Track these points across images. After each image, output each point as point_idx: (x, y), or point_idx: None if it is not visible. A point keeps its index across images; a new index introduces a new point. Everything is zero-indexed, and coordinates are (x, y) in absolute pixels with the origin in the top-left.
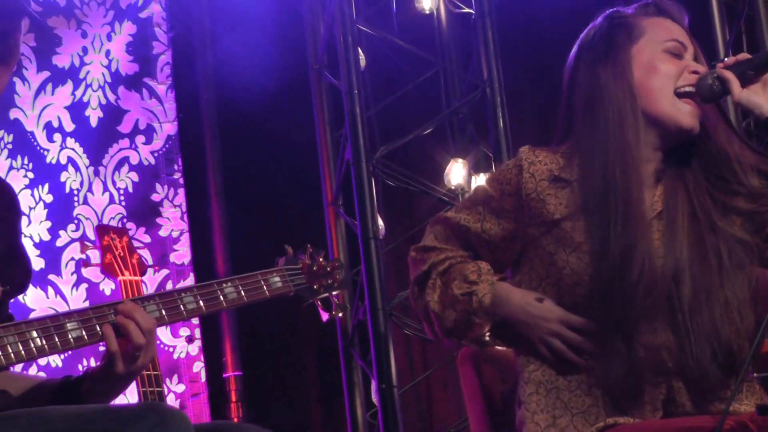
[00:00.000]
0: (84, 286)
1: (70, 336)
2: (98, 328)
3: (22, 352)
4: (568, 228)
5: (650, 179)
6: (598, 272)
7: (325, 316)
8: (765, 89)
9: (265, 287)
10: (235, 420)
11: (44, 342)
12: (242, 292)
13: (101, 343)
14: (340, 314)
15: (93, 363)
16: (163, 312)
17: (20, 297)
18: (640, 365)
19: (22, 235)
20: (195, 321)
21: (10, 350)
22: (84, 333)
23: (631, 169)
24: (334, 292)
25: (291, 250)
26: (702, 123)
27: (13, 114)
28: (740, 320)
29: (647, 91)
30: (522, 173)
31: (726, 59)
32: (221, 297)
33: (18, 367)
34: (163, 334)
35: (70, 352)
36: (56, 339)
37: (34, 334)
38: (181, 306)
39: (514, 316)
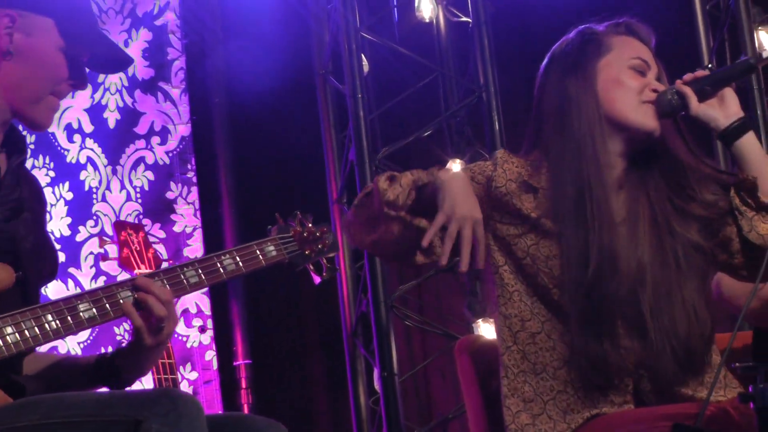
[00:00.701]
0: (102, 278)
1: (83, 316)
2: (109, 307)
3: (40, 335)
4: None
5: (614, 185)
6: (580, 276)
7: (317, 279)
8: (721, 104)
9: (261, 257)
10: (245, 406)
11: (59, 324)
12: (240, 263)
13: (116, 332)
14: (331, 275)
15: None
16: (167, 287)
17: (42, 289)
18: (609, 362)
19: (47, 230)
20: (207, 312)
21: (28, 334)
22: (96, 312)
23: (602, 175)
24: (325, 256)
25: (281, 218)
26: (661, 135)
27: None
28: (696, 320)
29: (612, 101)
30: (495, 169)
31: (685, 75)
32: (221, 269)
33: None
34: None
35: (90, 341)
36: (70, 320)
37: (50, 317)
38: (184, 280)
39: (450, 187)
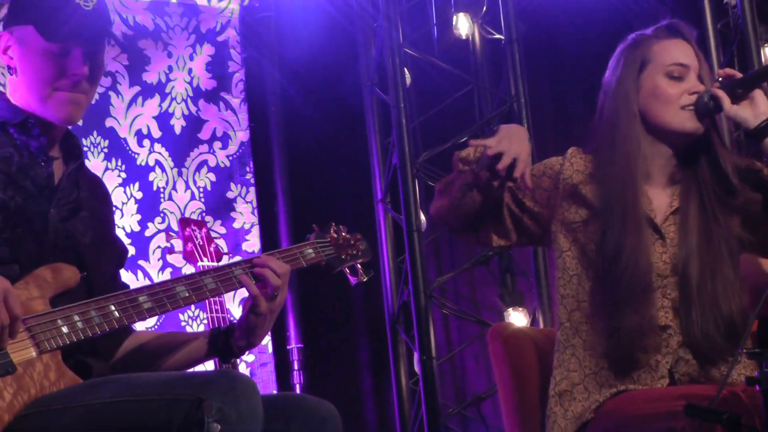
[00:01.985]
0: (168, 270)
1: (143, 306)
2: (205, 288)
3: (133, 315)
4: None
5: (667, 180)
6: (598, 262)
7: (353, 281)
8: (752, 105)
9: (301, 258)
10: (297, 386)
11: (153, 304)
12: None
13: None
14: (365, 279)
15: None
16: (219, 283)
17: (111, 278)
18: (649, 341)
19: (116, 226)
20: None
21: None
22: (192, 293)
23: (629, 183)
24: (359, 261)
25: (317, 227)
26: (706, 134)
27: (109, 123)
28: (737, 298)
29: (654, 114)
30: (564, 163)
31: (720, 78)
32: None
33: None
34: (236, 311)
35: (156, 327)
36: (165, 300)
37: (144, 298)
38: (233, 278)
39: (509, 128)
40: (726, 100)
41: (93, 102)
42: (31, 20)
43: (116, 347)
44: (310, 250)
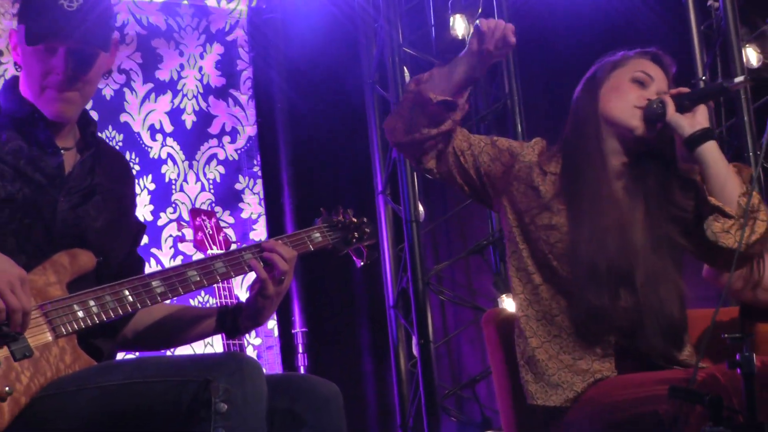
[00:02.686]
0: (180, 258)
1: (155, 291)
2: (215, 273)
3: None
4: (554, 210)
5: (612, 175)
6: (576, 250)
7: (359, 263)
8: (693, 116)
9: (308, 242)
10: (302, 368)
11: (166, 288)
12: (290, 247)
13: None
14: (369, 261)
15: None
16: (229, 268)
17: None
18: (605, 314)
19: (135, 202)
20: None
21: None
22: (203, 278)
23: (595, 163)
24: (364, 243)
25: (325, 211)
26: (657, 142)
27: (123, 118)
28: (680, 301)
29: (607, 103)
30: (524, 148)
31: (673, 89)
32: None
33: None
34: (244, 296)
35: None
36: (204, 279)
37: (156, 283)
38: (242, 262)
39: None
40: (671, 106)
41: (108, 99)
42: (24, 21)
43: (125, 323)
44: (317, 234)
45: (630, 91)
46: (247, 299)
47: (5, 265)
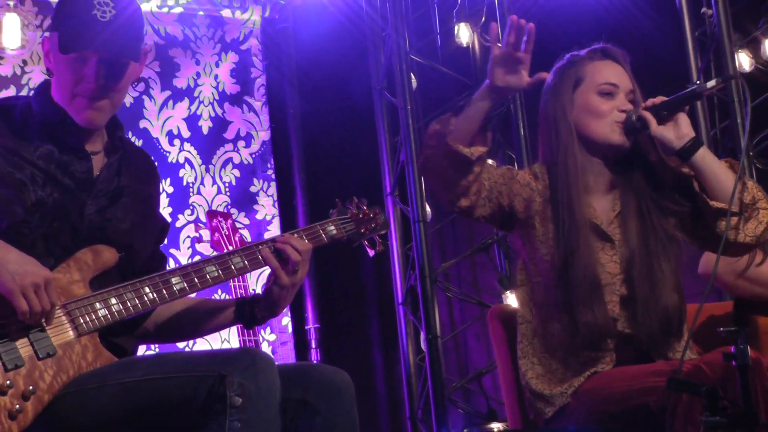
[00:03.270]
0: (197, 257)
1: (174, 288)
2: (233, 267)
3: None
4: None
5: (606, 187)
6: (554, 267)
7: (371, 253)
8: (675, 127)
9: (323, 235)
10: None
11: (185, 284)
12: (306, 241)
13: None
14: (381, 249)
15: None
16: (246, 262)
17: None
18: (598, 326)
19: (159, 201)
20: None
21: (175, 288)
22: (221, 272)
23: (572, 194)
24: (378, 233)
25: (340, 202)
26: (638, 145)
27: (142, 124)
28: (675, 294)
29: (585, 127)
30: (531, 178)
31: (648, 100)
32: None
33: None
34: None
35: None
36: (222, 273)
37: (176, 279)
38: (258, 255)
39: None
40: (653, 122)
41: (128, 105)
42: (57, 29)
43: (146, 317)
44: (332, 227)
45: (601, 107)
46: (264, 290)
47: (31, 266)
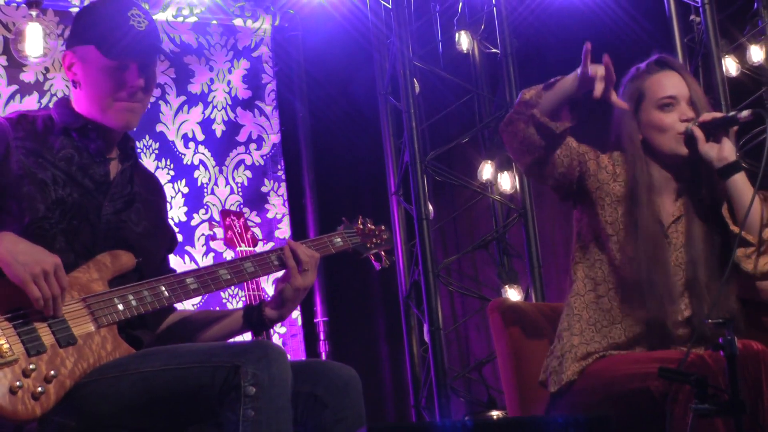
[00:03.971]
0: (211, 254)
1: (189, 287)
2: (245, 271)
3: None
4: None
5: (674, 193)
6: (623, 253)
7: (377, 266)
8: (719, 149)
9: (330, 246)
10: (323, 354)
11: (199, 284)
12: (314, 251)
13: (222, 297)
14: (388, 264)
15: None
16: (257, 267)
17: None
18: (666, 326)
19: (168, 215)
20: None
21: (192, 287)
22: (234, 276)
23: (646, 196)
24: (383, 249)
25: (346, 220)
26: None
27: (159, 128)
28: (734, 295)
29: (653, 141)
30: (600, 154)
31: (704, 114)
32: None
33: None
34: (270, 289)
35: (201, 303)
36: (210, 281)
37: (190, 279)
38: (270, 262)
39: None
40: (701, 140)
41: (145, 111)
42: (92, 41)
43: (161, 321)
44: (339, 239)
45: (664, 121)
46: (274, 292)
47: (40, 254)
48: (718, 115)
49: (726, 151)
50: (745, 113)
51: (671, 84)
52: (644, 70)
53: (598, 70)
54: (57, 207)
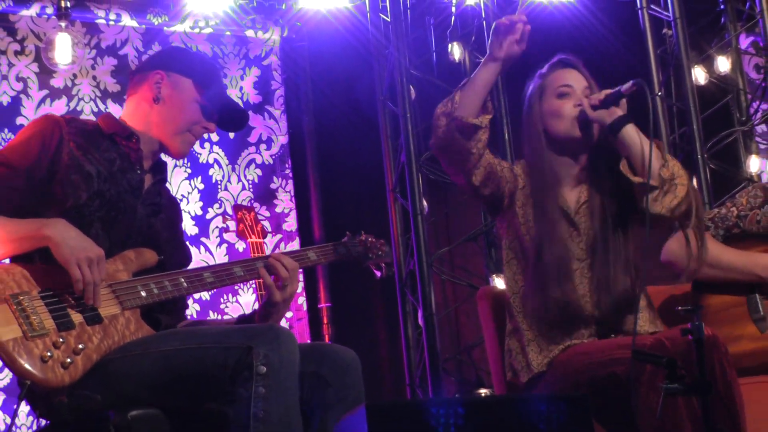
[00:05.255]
0: (225, 245)
1: (236, 274)
2: (256, 271)
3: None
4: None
5: (576, 181)
6: (530, 251)
7: (378, 274)
8: (612, 109)
9: (334, 254)
10: (326, 336)
11: (215, 279)
12: (320, 256)
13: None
14: (387, 274)
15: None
16: (246, 272)
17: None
18: (570, 305)
19: (182, 233)
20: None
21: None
22: (245, 272)
23: (544, 187)
24: (382, 261)
25: (349, 234)
26: (598, 141)
27: None
28: (630, 274)
29: (550, 128)
30: (515, 170)
31: (591, 96)
32: (307, 258)
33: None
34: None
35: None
36: (226, 279)
37: (207, 274)
38: (258, 270)
39: None
40: (588, 108)
41: None
42: (190, 75)
43: (179, 309)
44: (343, 249)
45: (562, 107)
46: (259, 308)
47: (88, 243)
48: (607, 91)
49: (618, 109)
50: (627, 85)
51: (569, 76)
52: (547, 69)
53: (503, 21)
54: (97, 197)
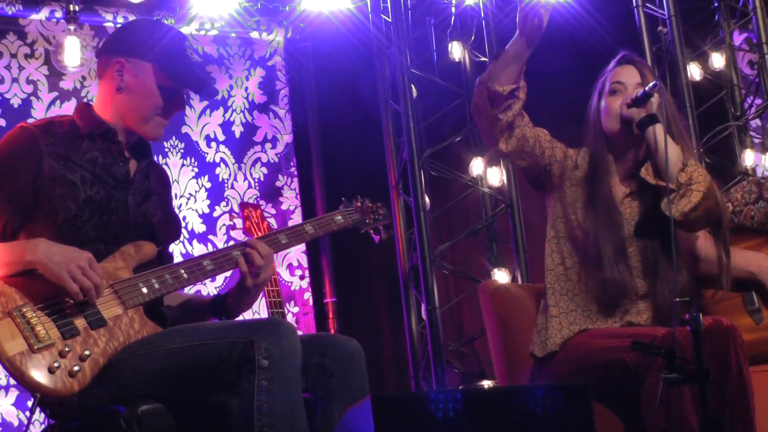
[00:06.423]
0: (231, 242)
1: (206, 269)
2: (225, 262)
3: (175, 284)
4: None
5: (626, 173)
6: (583, 229)
7: (377, 239)
8: (644, 108)
9: (333, 224)
10: (332, 330)
11: (215, 266)
12: (318, 229)
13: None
14: (386, 237)
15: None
16: (267, 246)
17: (189, 250)
18: (626, 287)
19: (173, 202)
20: (305, 265)
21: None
22: (215, 266)
23: (598, 173)
24: (381, 223)
25: (346, 199)
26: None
27: (184, 129)
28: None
29: (604, 124)
30: (568, 152)
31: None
32: (304, 233)
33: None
34: (284, 273)
35: (223, 285)
36: (225, 264)
37: (207, 262)
38: (279, 241)
39: None
40: (623, 106)
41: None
42: (152, 60)
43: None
44: (339, 217)
45: (612, 105)
46: (232, 289)
47: (72, 253)
48: (638, 89)
49: (648, 107)
50: (650, 85)
51: (624, 72)
52: (610, 68)
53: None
54: (87, 205)
